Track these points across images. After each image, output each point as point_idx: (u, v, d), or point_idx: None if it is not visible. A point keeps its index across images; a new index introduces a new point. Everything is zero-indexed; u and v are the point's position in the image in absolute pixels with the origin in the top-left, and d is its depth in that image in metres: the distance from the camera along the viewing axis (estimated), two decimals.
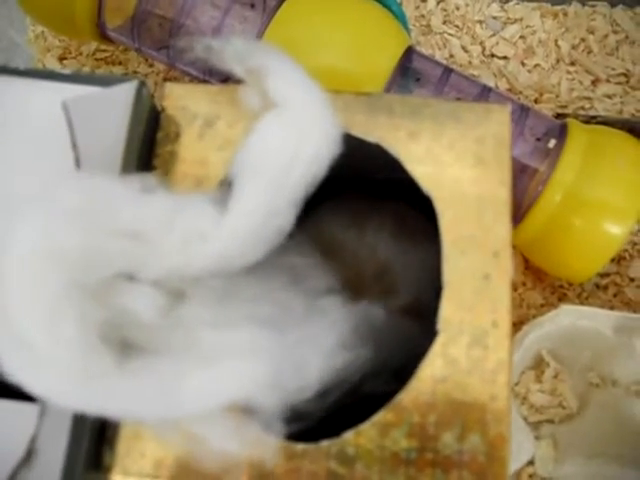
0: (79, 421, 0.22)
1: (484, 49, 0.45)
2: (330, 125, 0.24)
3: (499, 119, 0.25)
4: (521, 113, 0.35)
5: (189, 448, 0.21)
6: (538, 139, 0.35)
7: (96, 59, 0.46)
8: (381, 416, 0.22)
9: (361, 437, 0.22)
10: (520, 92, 0.43)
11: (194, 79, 0.39)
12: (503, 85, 0.44)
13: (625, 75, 0.43)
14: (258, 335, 0.21)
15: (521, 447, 0.35)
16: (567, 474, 0.36)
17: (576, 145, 0.33)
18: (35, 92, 0.25)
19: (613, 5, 0.45)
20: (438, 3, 0.46)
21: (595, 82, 0.43)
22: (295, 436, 0.21)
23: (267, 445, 0.21)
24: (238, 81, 0.25)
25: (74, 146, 0.24)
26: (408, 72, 0.35)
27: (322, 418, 0.21)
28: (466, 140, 0.25)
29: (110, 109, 0.25)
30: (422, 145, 0.25)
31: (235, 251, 0.22)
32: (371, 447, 0.22)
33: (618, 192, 0.33)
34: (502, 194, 0.24)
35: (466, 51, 0.45)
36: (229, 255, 0.22)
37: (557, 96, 0.43)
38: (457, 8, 0.46)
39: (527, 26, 0.45)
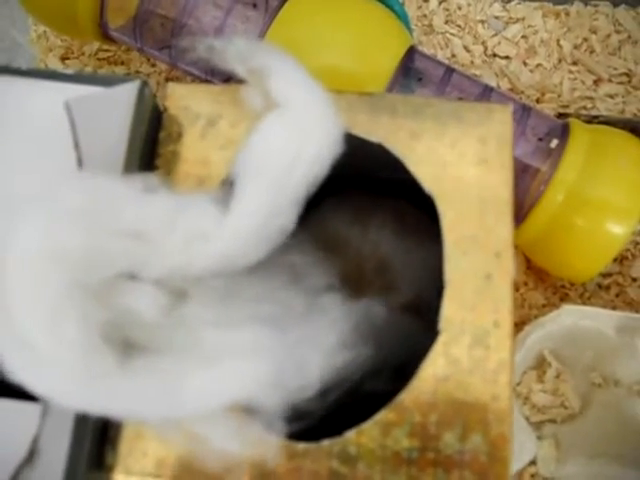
0: (81, 421, 0.22)
1: (486, 49, 0.45)
2: (332, 125, 0.24)
3: (501, 119, 0.25)
4: (523, 113, 0.35)
5: (191, 447, 0.21)
6: (540, 139, 0.35)
7: (98, 59, 0.46)
8: (383, 415, 0.22)
9: (363, 436, 0.22)
10: (522, 92, 0.43)
11: (196, 79, 0.39)
12: (505, 85, 0.44)
13: (627, 75, 0.43)
14: (260, 334, 0.21)
15: (523, 447, 0.35)
16: (569, 474, 0.36)
17: (578, 145, 0.33)
18: (37, 92, 0.25)
19: (615, 5, 0.45)
20: (440, 3, 0.46)
21: (597, 82, 0.43)
22: (297, 435, 0.21)
23: (269, 444, 0.21)
24: (240, 81, 0.25)
25: (76, 146, 0.24)
26: (410, 72, 0.35)
27: (323, 417, 0.21)
28: (468, 140, 0.25)
29: (112, 109, 0.25)
30: (424, 145, 0.25)
31: (237, 251, 0.22)
32: (373, 446, 0.22)
33: (620, 192, 0.33)
34: (504, 194, 0.24)
35: (468, 51, 0.45)
36: (231, 255, 0.22)
37: (559, 96, 0.43)
38: (459, 8, 0.46)
39: (529, 26, 0.45)
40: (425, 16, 0.46)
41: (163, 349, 0.21)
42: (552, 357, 0.36)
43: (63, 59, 0.46)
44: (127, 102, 0.25)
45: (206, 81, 0.38)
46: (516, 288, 0.40)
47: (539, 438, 0.36)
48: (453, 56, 0.45)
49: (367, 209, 0.31)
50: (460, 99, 0.35)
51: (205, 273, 0.22)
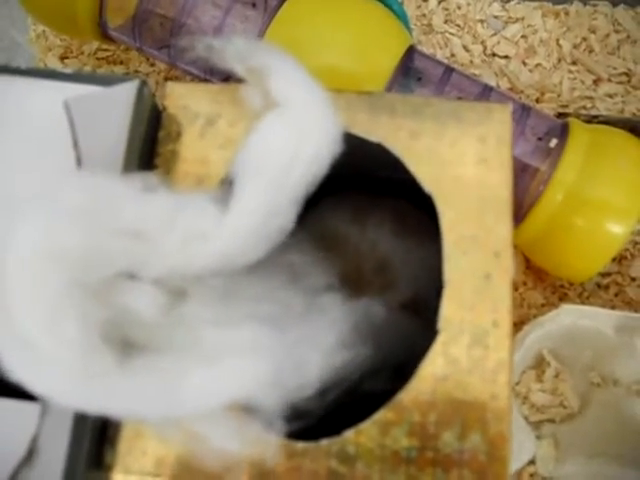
0: (80, 420, 0.22)
1: (485, 48, 0.45)
2: (331, 125, 0.24)
3: (500, 118, 0.25)
4: (522, 112, 0.35)
5: (190, 446, 0.21)
6: (539, 138, 0.35)
7: (97, 58, 0.46)
8: (382, 415, 0.22)
9: (362, 436, 0.22)
10: (521, 91, 0.43)
11: (195, 78, 0.39)
12: (504, 84, 0.44)
13: (626, 74, 0.43)
14: (259, 334, 0.21)
15: (522, 446, 0.35)
16: (568, 474, 0.36)
17: (577, 144, 0.33)
18: (36, 91, 0.25)
19: (615, 4, 0.45)
20: (439, 2, 0.46)
21: (596, 81, 0.43)
22: (296, 435, 0.21)
23: (268, 444, 0.21)
24: (239, 80, 0.25)
25: (75, 145, 0.24)
26: (409, 71, 0.35)
27: (322, 416, 0.21)
28: (467, 139, 0.25)
29: (111, 108, 0.25)
30: (423, 144, 0.25)
31: (236, 250, 0.22)
32: (372, 446, 0.22)
33: (619, 192, 0.33)
34: (503, 194, 0.24)
35: (467, 50, 0.45)
36: (230, 254, 0.22)
37: (558, 95, 0.43)
38: (458, 7, 0.46)
39: (528, 25, 0.45)
40: (424, 15, 0.46)
41: (162, 348, 0.21)
42: (551, 357, 0.36)
43: (62, 58, 0.46)
44: (126, 101, 0.25)
45: (205, 80, 0.38)
46: (515, 288, 0.40)
47: (538, 438, 0.36)
48: (452, 56, 0.45)
49: (366, 209, 0.31)
50: (459, 99, 0.35)
51: (204, 272, 0.22)
